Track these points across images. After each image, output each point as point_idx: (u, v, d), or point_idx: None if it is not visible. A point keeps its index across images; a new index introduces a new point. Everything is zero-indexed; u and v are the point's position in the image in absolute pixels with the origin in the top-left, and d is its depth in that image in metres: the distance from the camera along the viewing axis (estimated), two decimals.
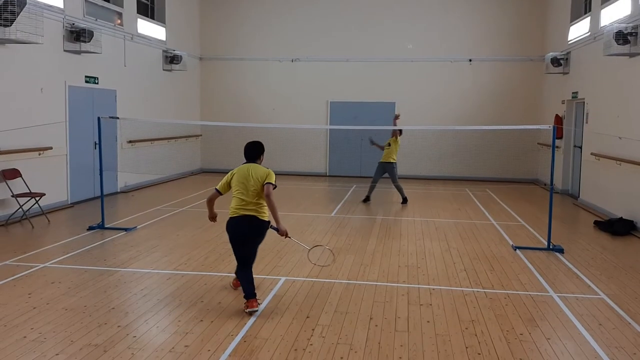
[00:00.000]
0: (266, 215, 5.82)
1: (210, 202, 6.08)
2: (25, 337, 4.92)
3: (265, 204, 5.75)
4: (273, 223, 5.89)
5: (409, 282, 6.81)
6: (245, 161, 5.97)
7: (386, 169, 12.99)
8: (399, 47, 17.57)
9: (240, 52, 18.36)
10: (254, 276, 5.69)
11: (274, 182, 5.77)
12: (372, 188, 13.12)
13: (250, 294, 5.63)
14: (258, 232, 5.84)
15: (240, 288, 5.91)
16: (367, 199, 13.03)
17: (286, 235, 5.92)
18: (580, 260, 7.87)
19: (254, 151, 6.03)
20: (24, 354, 4.57)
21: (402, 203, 12.83)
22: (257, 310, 5.56)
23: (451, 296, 6.28)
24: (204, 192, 13.94)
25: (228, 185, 5.90)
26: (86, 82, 12.29)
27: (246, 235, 5.79)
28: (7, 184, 9.76)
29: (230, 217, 5.81)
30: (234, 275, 6.24)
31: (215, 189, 5.98)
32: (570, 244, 8.85)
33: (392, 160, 12.92)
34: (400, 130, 12.94)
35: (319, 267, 6.91)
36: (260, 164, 6.00)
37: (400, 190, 13.00)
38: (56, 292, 6.14)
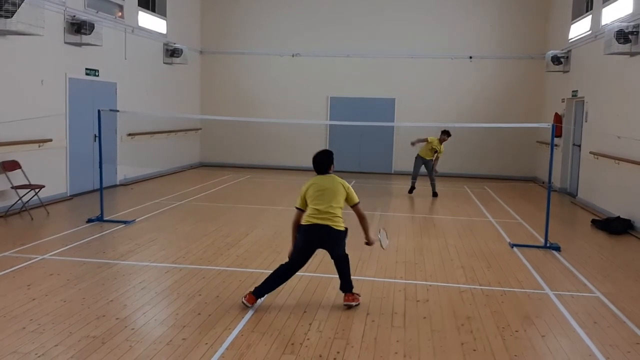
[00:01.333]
0: (341, 225, 5.60)
1: (296, 225, 5.68)
2: (24, 328, 4.95)
3: (340, 214, 5.57)
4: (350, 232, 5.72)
5: (406, 278, 6.84)
6: (316, 174, 5.73)
7: (425, 164, 13.53)
8: (400, 43, 17.55)
9: (241, 46, 18.34)
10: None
11: (358, 200, 5.68)
12: (433, 185, 13.53)
13: (260, 292, 5.58)
14: (333, 241, 5.63)
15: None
16: (435, 194, 13.41)
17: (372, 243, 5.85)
18: (576, 259, 7.91)
19: (324, 162, 5.71)
20: (23, 345, 4.60)
21: (409, 191, 13.51)
22: (250, 307, 5.52)
23: (448, 293, 6.32)
24: (202, 186, 13.98)
25: (305, 200, 5.63)
26: (86, 74, 12.29)
27: (318, 244, 5.65)
28: (6, 175, 9.77)
29: (302, 225, 5.60)
30: (341, 291, 5.82)
31: (296, 207, 5.67)
32: (567, 242, 8.88)
33: (428, 158, 13.44)
34: (447, 133, 13.41)
35: (383, 249, 6.66)
36: (331, 172, 5.74)
37: (433, 184, 13.56)
38: (55, 284, 6.17)
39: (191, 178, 15.65)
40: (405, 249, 8.25)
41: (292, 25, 18.09)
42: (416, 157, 13.62)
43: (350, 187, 5.69)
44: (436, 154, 13.36)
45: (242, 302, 5.58)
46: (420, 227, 9.94)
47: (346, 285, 5.78)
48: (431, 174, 13.45)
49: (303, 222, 5.62)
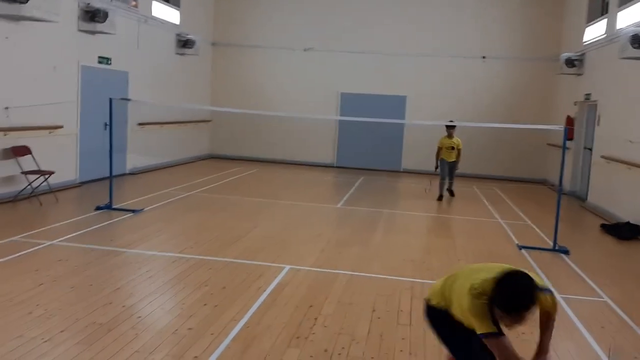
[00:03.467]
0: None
1: None
2: (30, 312, 4.97)
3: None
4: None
5: (412, 276, 6.82)
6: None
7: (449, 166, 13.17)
8: (412, 41, 17.47)
9: (253, 39, 18.31)
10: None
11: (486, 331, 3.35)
12: (451, 184, 13.31)
13: None
14: (431, 322, 3.96)
15: None
16: (452, 193, 13.23)
17: None
18: (585, 263, 7.85)
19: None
20: (29, 330, 4.62)
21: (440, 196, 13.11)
22: None
23: None
24: (211, 178, 13.99)
25: None
26: (99, 62, 12.31)
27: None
28: (17, 160, 9.82)
29: None
30: None
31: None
32: (575, 245, 8.81)
33: (451, 160, 13.07)
34: (451, 127, 13.00)
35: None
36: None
37: (451, 182, 13.27)
38: (63, 270, 6.20)
39: (200, 169, 15.67)
40: (413, 248, 8.23)
41: (304, 20, 18.03)
42: (440, 161, 13.18)
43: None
44: (454, 150, 12.93)
45: None
46: (428, 226, 9.91)
47: None
48: (452, 174, 13.16)
49: None
